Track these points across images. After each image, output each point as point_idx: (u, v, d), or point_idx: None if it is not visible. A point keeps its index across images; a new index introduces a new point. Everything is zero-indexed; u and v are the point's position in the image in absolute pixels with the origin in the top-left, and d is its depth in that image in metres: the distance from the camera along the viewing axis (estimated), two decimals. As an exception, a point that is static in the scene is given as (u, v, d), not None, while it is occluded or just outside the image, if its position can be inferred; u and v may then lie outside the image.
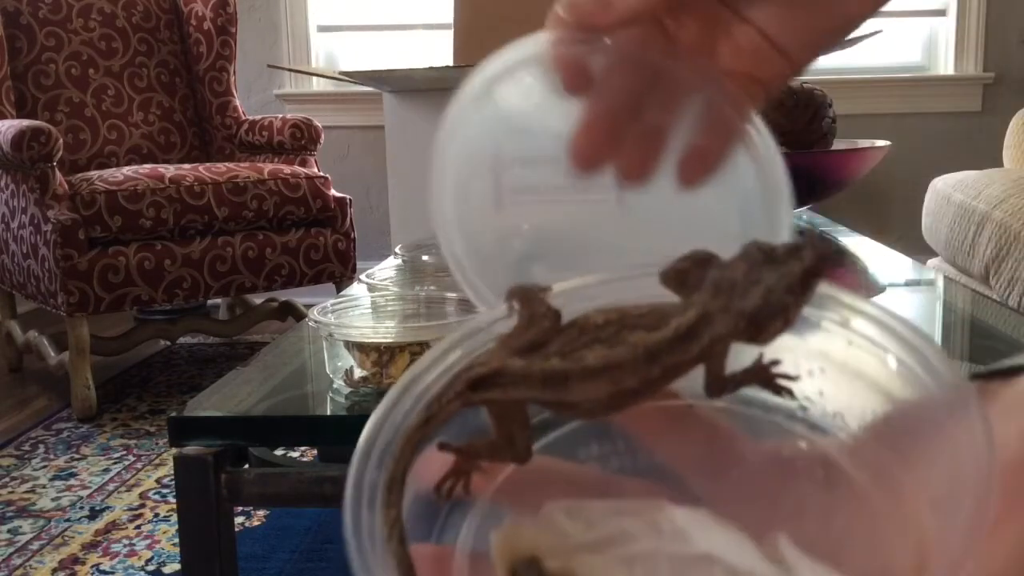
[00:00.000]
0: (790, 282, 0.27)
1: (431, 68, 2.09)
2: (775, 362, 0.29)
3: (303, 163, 2.63)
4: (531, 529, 0.29)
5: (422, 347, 0.80)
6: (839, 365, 0.30)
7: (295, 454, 1.72)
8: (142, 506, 1.70)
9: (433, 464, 0.29)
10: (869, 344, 0.29)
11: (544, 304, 0.30)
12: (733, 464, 0.31)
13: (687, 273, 0.29)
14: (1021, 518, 0.26)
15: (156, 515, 1.67)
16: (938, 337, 1.11)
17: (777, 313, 0.27)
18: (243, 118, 2.81)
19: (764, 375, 0.29)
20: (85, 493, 1.77)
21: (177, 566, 1.45)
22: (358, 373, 0.81)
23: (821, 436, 0.31)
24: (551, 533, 0.28)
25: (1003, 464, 0.26)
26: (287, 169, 2.48)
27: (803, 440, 0.31)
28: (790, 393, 0.30)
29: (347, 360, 0.82)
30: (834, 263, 0.24)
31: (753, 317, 0.27)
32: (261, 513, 1.63)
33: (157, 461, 1.93)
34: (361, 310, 0.92)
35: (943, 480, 0.27)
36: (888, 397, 0.29)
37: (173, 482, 0.78)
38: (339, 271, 2.50)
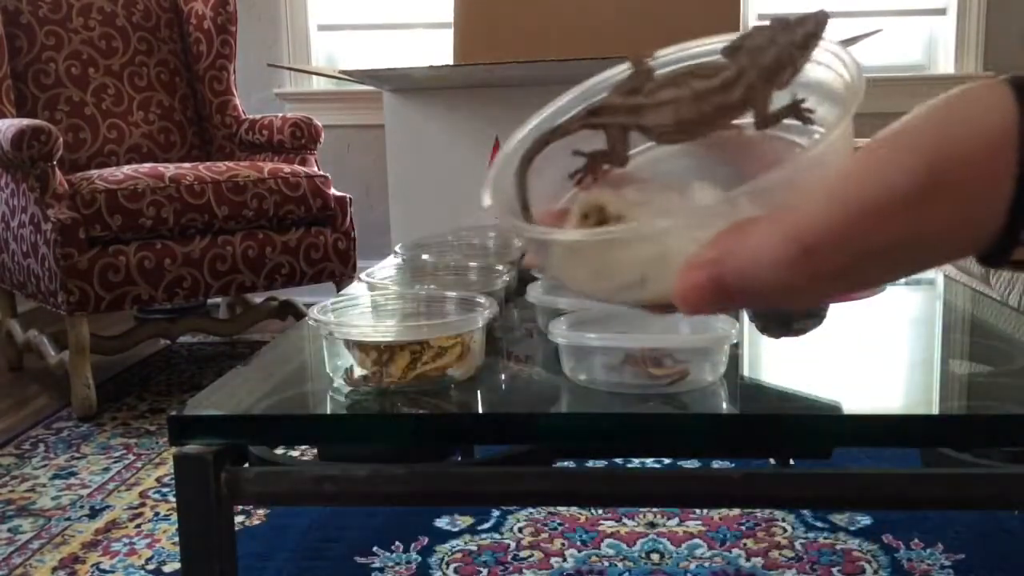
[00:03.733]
0: (794, 41, 0.40)
1: (431, 67, 2.08)
2: (802, 100, 0.41)
3: (303, 162, 2.63)
4: (608, 194, 0.42)
5: (422, 346, 0.80)
6: (824, 92, 0.42)
7: (295, 453, 1.72)
8: (142, 505, 1.70)
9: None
10: (831, 67, 0.41)
11: (646, 64, 0.44)
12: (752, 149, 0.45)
13: (739, 48, 0.41)
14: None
15: (156, 514, 1.67)
16: (938, 336, 1.11)
17: (786, 65, 0.40)
18: (243, 117, 2.81)
19: (795, 109, 0.41)
20: (85, 492, 1.77)
21: (177, 565, 1.45)
22: (358, 372, 0.81)
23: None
24: (620, 197, 0.42)
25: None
26: (287, 168, 2.48)
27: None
28: (811, 120, 0.41)
29: (347, 359, 0.82)
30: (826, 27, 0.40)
31: (770, 69, 0.40)
32: (261, 512, 1.63)
33: (157, 460, 1.93)
34: (361, 309, 0.92)
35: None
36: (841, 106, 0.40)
37: (173, 481, 0.78)
38: (339, 270, 2.50)
